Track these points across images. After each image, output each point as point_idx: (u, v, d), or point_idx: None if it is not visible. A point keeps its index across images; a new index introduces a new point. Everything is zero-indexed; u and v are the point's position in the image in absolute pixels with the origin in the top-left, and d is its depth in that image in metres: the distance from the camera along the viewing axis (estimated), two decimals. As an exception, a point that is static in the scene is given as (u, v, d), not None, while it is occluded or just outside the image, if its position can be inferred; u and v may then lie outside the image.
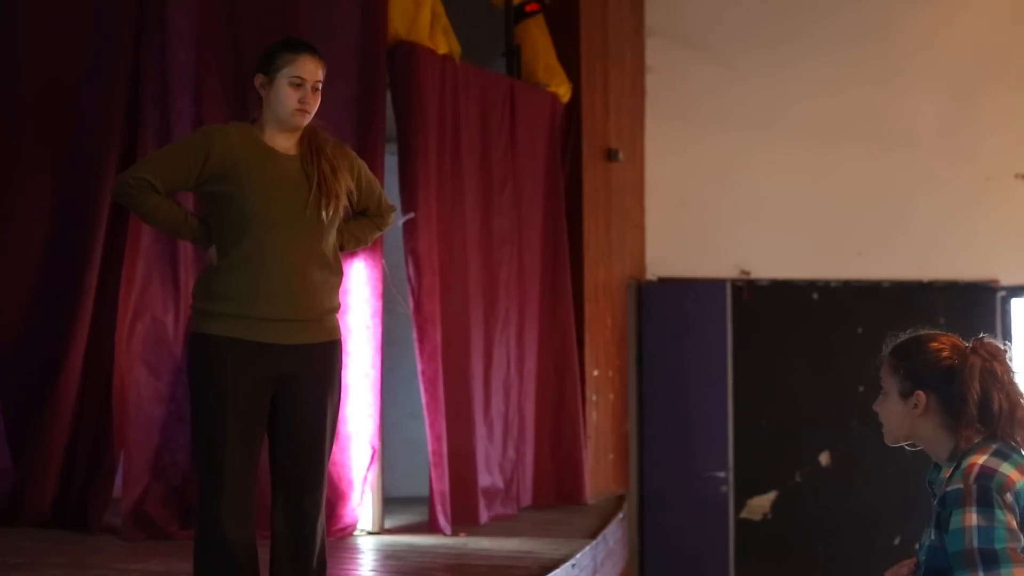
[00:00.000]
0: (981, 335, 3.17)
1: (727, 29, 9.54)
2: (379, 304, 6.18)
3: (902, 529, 9.11)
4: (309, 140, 4.17)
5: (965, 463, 3.04)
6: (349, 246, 4.35)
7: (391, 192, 4.82)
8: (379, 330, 6.17)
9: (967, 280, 9.42)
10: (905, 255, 9.48)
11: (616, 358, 8.67)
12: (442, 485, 6.35)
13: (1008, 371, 3.12)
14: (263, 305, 4.04)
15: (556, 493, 7.55)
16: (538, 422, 7.47)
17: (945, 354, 3.13)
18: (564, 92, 7.74)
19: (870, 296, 9.43)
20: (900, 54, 9.49)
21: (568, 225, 7.75)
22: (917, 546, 3.24)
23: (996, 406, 3.08)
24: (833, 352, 9.36)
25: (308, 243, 4.09)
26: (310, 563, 4.13)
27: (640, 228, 9.44)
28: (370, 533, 6.27)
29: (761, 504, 9.34)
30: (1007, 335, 9.13)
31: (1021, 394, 3.13)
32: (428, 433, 6.36)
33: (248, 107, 5.45)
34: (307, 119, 4.14)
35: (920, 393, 3.13)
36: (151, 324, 5.89)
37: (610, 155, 8.47)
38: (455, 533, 6.33)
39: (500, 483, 7.02)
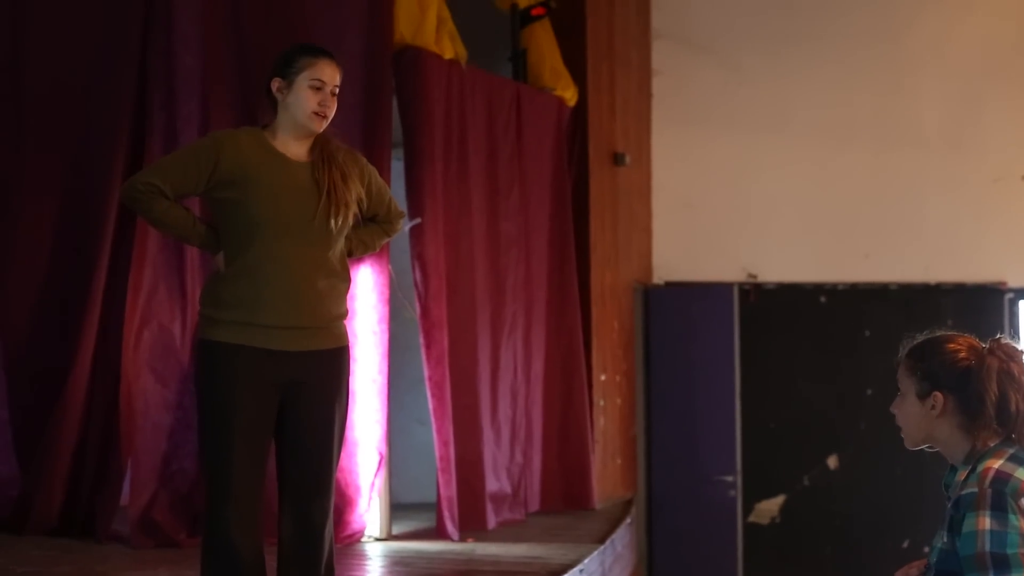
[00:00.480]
0: (998, 336, 3.18)
1: (734, 32, 9.52)
2: (386, 309, 6.16)
3: (911, 532, 9.08)
4: (321, 147, 4.14)
5: (981, 467, 3.04)
6: (357, 252, 4.33)
7: (397, 196, 4.81)
8: (386, 335, 6.15)
9: (975, 282, 9.40)
10: (912, 257, 9.45)
11: (623, 362, 8.65)
12: (449, 491, 6.33)
13: None
14: (270, 313, 4.03)
15: (564, 498, 7.54)
16: (545, 427, 7.45)
17: (962, 355, 3.13)
18: (570, 96, 7.73)
19: (878, 299, 9.41)
20: (907, 56, 9.47)
21: (575, 229, 7.74)
22: (927, 548, 3.23)
23: (1014, 407, 3.08)
24: (841, 355, 9.34)
25: (316, 251, 4.07)
26: (318, 570, 4.12)
27: (647, 231, 9.42)
28: (378, 539, 6.25)
29: (769, 508, 9.32)
30: (1015, 336, 9.09)
31: None
32: (435, 438, 6.35)
33: (255, 113, 5.48)
34: (324, 124, 4.12)
35: (938, 394, 3.13)
36: (158, 331, 5.88)
37: (617, 159, 8.46)
38: (463, 539, 6.32)
39: (508, 488, 7.01)
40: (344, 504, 6.01)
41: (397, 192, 5.45)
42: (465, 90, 6.76)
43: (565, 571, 5.56)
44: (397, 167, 6.37)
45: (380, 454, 6.12)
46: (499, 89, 7.16)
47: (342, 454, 5.84)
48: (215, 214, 4.17)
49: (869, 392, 9.09)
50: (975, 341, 3.18)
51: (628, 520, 7.60)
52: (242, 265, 4.04)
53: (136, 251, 5.82)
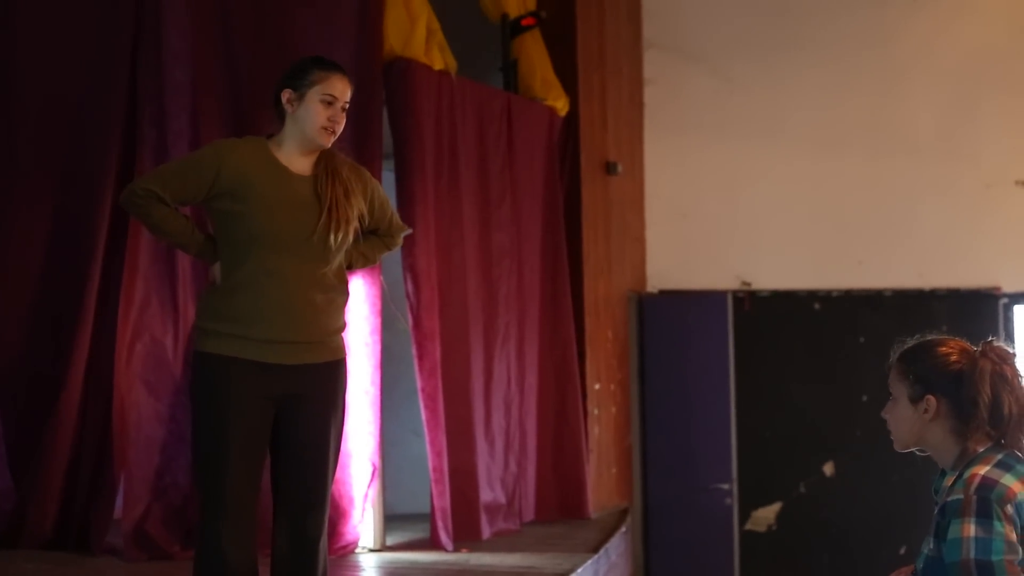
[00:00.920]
0: (990, 338, 3.18)
1: (725, 40, 9.53)
2: (378, 321, 6.17)
3: (907, 539, 9.08)
4: (325, 162, 4.11)
5: (967, 473, 3.05)
6: (357, 265, 4.31)
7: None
8: (378, 347, 6.16)
9: (969, 288, 9.40)
10: (906, 263, 9.46)
11: (618, 371, 8.66)
12: (443, 501, 6.34)
13: (1017, 375, 3.14)
14: (265, 327, 4.00)
15: (559, 507, 7.53)
16: (540, 436, 7.45)
17: (954, 358, 3.14)
18: (562, 106, 7.73)
19: (872, 305, 9.41)
20: (898, 61, 9.48)
21: (567, 238, 7.74)
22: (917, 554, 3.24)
23: (1007, 409, 3.09)
24: (836, 362, 9.34)
25: (314, 266, 4.04)
26: (312, 583, 4.11)
27: (640, 240, 9.43)
28: (372, 550, 6.26)
29: (766, 515, 9.32)
30: (1010, 342, 9.10)
31: None
32: (428, 449, 6.36)
33: (246, 128, 5.49)
34: (332, 139, 4.09)
35: (930, 398, 3.14)
36: (150, 344, 5.89)
37: (609, 168, 8.47)
38: (457, 549, 6.32)
39: (502, 498, 7.01)
40: (338, 515, 6.01)
41: (388, 203, 5.45)
42: (455, 101, 6.77)
43: (559, 580, 5.57)
44: (388, 178, 6.37)
45: (373, 465, 6.13)
46: (490, 99, 7.17)
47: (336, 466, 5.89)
48: (214, 224, 4.15)
49: (864, 399, 9.09)
50: (966, 344, 3.20)
51: (623, 529, 7.60)
52: (239, 278, 4.02)
53: (128, 264, 5.82)
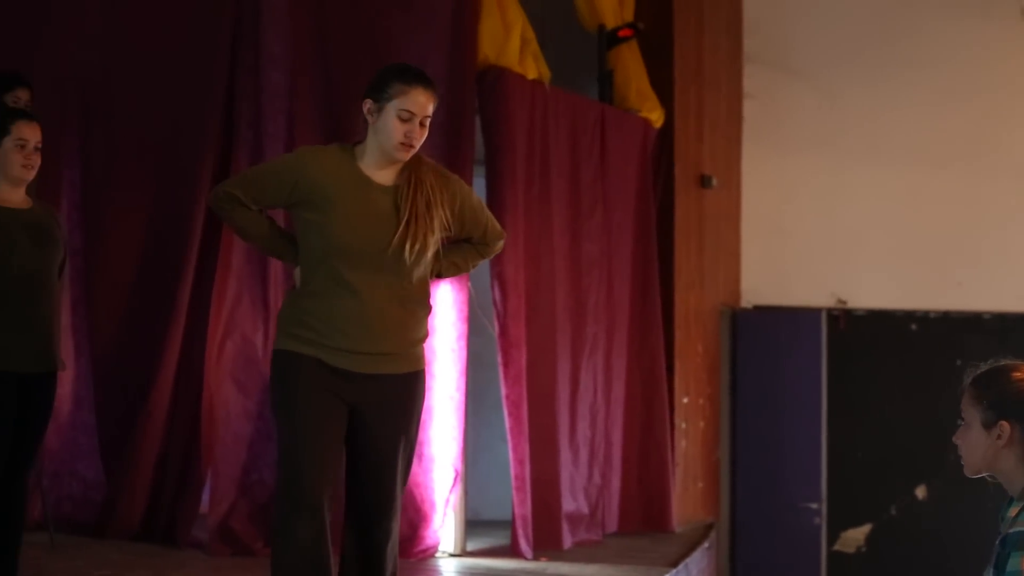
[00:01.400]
0: None
1: (827, 55, 9.44)
2: (464, 327, 6.20)
3: (1000, 567, 8.88)
4: (411, 171, 4.02)
5: (1032, 504, 2.98)
6: (447, 273, 4.25)
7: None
8: (464, 353, 6.19)
9: (1071, 312, 9.21)
10: (1007, 286, 9.28)
11: (707, 385, 8.61)
12: (524, 509, 6.34)
13: None
14: (338, 337, 3.97)
15: (642, 520, 7.50)
16: (625, 448, 7.43)
17: None
18: (657, 118, 7.72)
19: (971, 328, 9.25)
20: (1002, 81, 9.31)
21: (659, 251, 7.71)
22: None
23: None
24: (931, 384, 9.18)
25: (390, 279, 3.98)
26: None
27: (735, 255, 9.37)
28: (452, 555, 6.28)
29: (855, 537, 9.20)
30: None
31: None
32: (511, 457, 6.36)
33: (340, 133, 5.57)
34: (410, 154, 3.99)
35: (1004, 423, 3.07)
36: (241, 342, 5.99)
37: (704, 181, 8.43)
38: (537, 557, 6.33)
39: (585, 508, 7.00)
40: (419, 519, 6.06)
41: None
42: (548, 110, 6.78)
43: (634, 593, 5.55)
44: (479, 184, 6.41)
45: (456, 471, 6.15)
46: (583, 110, 7.17)
47: (418, 470, 5.94)
48: (296, 229, 4.14)
49: (960, 423, 8.91)
50: None
51: (706, 544, 7.54)
52: (314, 286, 4.00)
53: (220, 263, 5.93)
